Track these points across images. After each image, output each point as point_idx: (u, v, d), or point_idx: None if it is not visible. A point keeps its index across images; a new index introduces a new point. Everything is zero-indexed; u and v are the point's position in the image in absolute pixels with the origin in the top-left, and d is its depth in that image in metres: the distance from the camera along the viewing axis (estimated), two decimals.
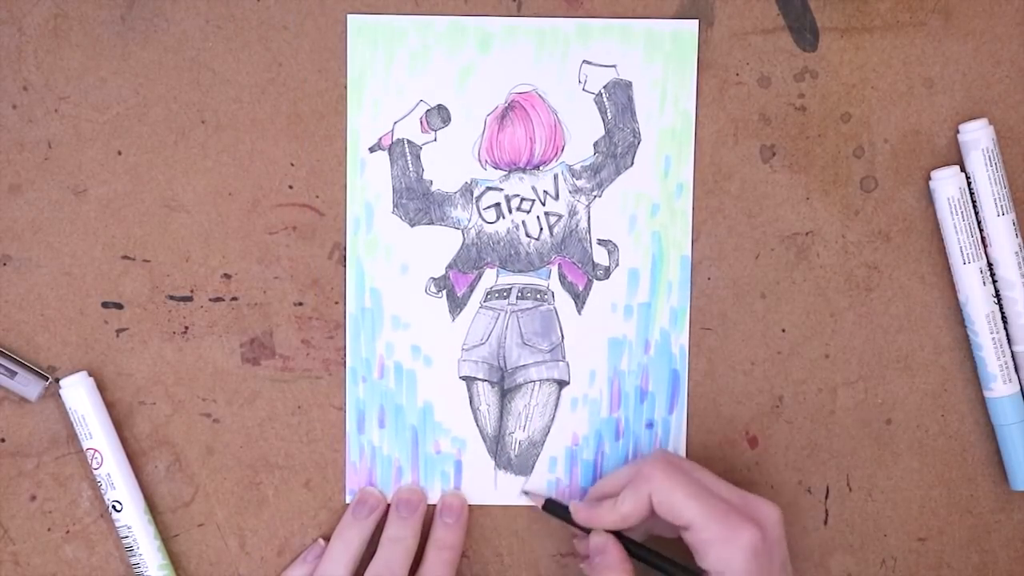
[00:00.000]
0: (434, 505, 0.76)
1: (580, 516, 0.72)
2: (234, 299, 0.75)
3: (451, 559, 0.74)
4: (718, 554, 0.67)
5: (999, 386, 0.76)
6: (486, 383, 0.76)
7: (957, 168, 0.75)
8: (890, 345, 0.77)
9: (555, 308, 0.76)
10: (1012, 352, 0.76)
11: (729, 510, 0.68)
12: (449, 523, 0.75)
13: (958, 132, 0.76)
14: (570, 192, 0.75)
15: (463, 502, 0.76)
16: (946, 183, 0.75)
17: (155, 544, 0.74)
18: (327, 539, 0.75)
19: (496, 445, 0.76)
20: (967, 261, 0.75)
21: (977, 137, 0.74)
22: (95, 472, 0.73)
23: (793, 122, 0.76)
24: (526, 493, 0.76)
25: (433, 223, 0.75)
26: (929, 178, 0.76)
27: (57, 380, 0.74)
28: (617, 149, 0.75)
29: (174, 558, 0.75)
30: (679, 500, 0.68)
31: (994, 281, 0.75)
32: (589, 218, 0.75)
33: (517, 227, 0.76)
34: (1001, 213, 0.75)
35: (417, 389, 0.76)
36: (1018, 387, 0.76)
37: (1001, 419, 0.76)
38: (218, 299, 0.75)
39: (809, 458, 0.77)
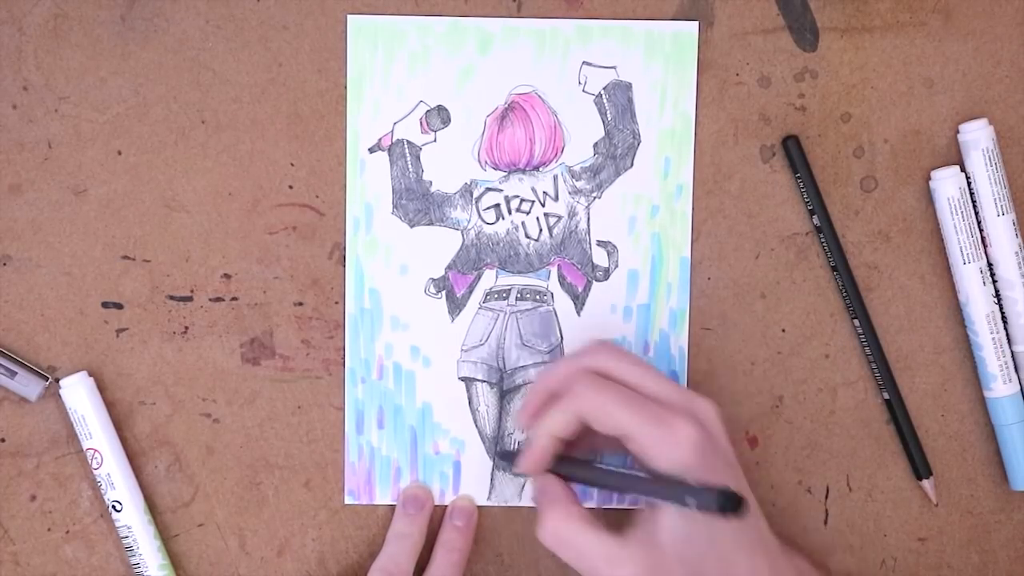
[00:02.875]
0: (442, 507, 0.76)
1: (522, 418, 0.71)
2: (234, 299, 0.75)
3: (459, 561, 0.74)
4: (661, 454, 0.66)
5: (999, 386, 0.76)
6: (485, 384, 0.76)
7: (957, 168, 0.75)
8: (890, 345, 0.77)
9: (554, 309, 0.76)
10: (1012, 352, 0.76)
11: (663, 410, 0.67)
12: (459, 525, 0.75)
13: (958, 132, 0.76)
14: (570, 193, 0.75)
15: (473, 506, 0.76)
16: (946, 183, 0.75)
17: (155, 544, 0.74)
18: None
19: (495, 446, 0.76)
20: (967, 261, 0.75)
21: (977, 137, 0.74)
22: (95, 472, 0.74)
23: (793, 122, 0.76)
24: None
25: (433, 224, 0.75)
26: (929, 178, 0.76)
27: (57, 380, 0.74)
28: (617, 150, 0.75)
29: (174, 558, 0.75)
30: (612, 412, 0.67)
31: (994, 281, 0.75)
32: (589, 219, 0.75)
33: (516, 228, 0.75)
34: (1001, 213, 0.75)
35: (416, 390, 0.76)
36: (1018, 387, 0.76)
37: (1001, 419, 0.76)
38: (218, 299, 0.75)
39: (809, 458, 0.77)
